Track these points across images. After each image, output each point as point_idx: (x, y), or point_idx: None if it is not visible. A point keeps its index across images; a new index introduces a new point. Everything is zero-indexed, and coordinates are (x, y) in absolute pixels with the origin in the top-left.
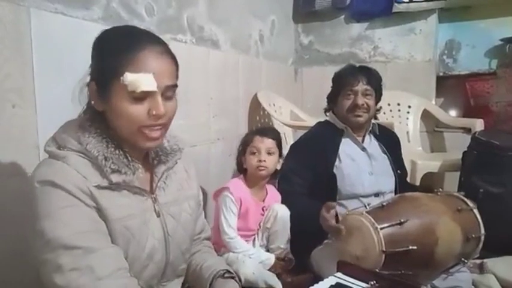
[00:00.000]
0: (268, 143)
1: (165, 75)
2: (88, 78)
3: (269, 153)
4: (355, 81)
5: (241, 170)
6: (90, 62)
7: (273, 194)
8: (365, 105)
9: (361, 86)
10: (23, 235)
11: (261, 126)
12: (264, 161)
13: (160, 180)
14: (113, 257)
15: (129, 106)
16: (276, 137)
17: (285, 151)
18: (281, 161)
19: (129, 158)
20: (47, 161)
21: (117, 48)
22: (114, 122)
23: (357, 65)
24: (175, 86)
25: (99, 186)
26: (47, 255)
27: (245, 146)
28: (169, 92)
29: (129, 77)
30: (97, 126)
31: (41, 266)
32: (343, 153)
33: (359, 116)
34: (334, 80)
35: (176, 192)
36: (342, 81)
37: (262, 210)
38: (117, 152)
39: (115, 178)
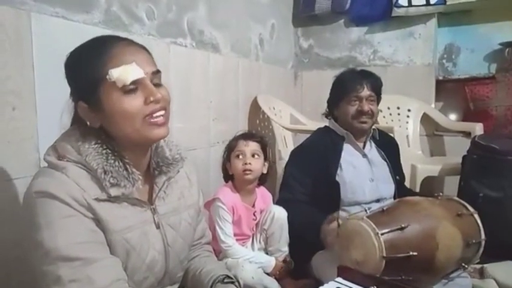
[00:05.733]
0: (253, 145)
1: (145, 62)
2: (71, 104)
3: (254, 156)
4: (360, 87)
5: (228, 177)
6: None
7: (262, 197)
8: (370, 111)
9: (366, 92)
10: (22, 239)
11: (244, 131)
12: (250, 163)
13: (160, 190)
14: (111, 267)
15: (125, 102)
16: (261, 140)
17: (285, 154)
18: (267, 164)
19: (130, 170)
20: (46, 170)
21: (90, 57)
22: (116, 129)
23: (358, 69)
24: (159, 71)
25: (98, 199)
26: (46, 266)
27: (230, 152)
28: (155, 79)
29: (114, 73)
30: (98, 136)
31: (40, 277)
32: (344, 161)
33: (364, 122)
34: (336, 84)
35: (176, 201)
36: (346, 87)
37: (254, 215)
38: (117, 164)
39: (114, 192)
